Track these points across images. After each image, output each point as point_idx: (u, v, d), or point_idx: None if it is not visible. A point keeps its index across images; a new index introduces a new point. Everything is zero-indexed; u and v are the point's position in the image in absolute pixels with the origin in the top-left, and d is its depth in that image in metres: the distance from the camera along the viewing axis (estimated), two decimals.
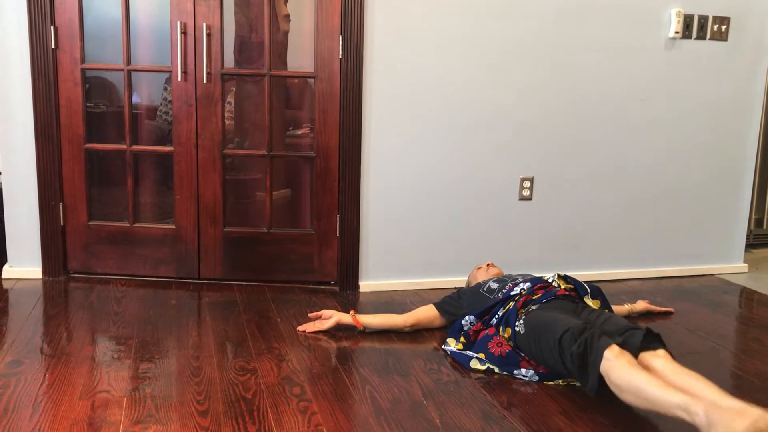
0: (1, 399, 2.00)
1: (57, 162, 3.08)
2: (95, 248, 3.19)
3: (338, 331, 2.63)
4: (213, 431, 1.87)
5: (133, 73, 3.13)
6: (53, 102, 3.02)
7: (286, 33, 3.21)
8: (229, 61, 3.12)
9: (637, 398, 1.84)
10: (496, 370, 2.31)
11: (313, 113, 3.11)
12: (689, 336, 2.73)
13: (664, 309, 3.01)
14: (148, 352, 2.38)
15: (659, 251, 3.56)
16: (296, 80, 3.35)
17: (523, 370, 2.28)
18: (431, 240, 3.25)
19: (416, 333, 2.65)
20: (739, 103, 3.54)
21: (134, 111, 3.22)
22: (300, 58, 3.22)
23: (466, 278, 3.01)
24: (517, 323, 2.30)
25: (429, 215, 3.22)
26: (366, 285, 3.20)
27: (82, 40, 3.02)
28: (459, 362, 2.38)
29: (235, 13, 3.13)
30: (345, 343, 2.54)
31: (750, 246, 4.09)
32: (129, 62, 3.07)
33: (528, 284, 2.45)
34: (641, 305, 2.95)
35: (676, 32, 3.34)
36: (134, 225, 3.18)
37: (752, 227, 4.19)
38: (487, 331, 2.42)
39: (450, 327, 2.60)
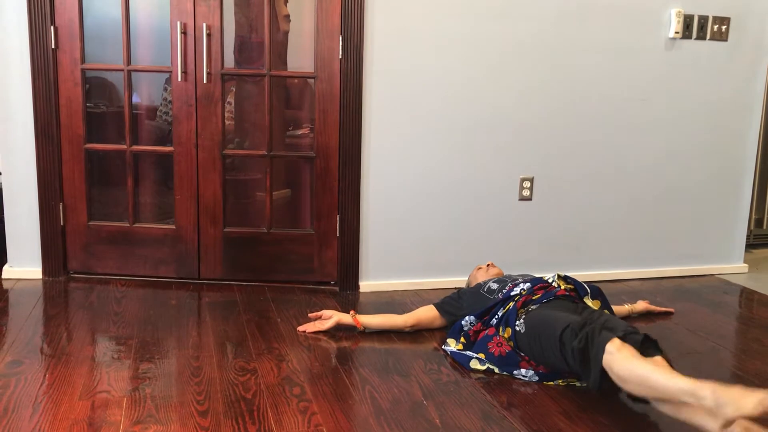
0: (1, 399, 2.00)
1: (57, 162, 3.08)
2: (95, 248, 3.19)
3: (338, 331, 2.63)
4: (213, 431, 1.87)
5: (133, 73, 3.13)
6: (53, 102, 3.02)
7: (286, 33, 3.21)
8: (229, 61, 3.12)
9: (642, 387, 1.83)
10: (496, 370, 2.31)
11: (313, 113, 3.11)
12: (689, 336, 2.73)
13: (664, 309, 3.01)
14: (148, 352, 2.38)
15: (659, 251, 3.56)
16: (296, 80, 3.35)
17: (523, 371, 2.28)
18: (431, 240, 3.25)
19: (416, 333, 2.65)
20: (739, 103, 3.54)
21: (134, 111, 3.22)
22: (300, 58, 3.22)
23: (466, 278, 3.01)
24: (517, 323, 2.30)
25: (429, 215, 3.22)
26: (366, 285, 3.20)
27: (82, 40, 3.02)
28: (459, 362, 2.38)
29: (235, 13, 3.13)
30: (345, 344, 2.54)
31: (750, 246, 4.09)
32: (129, 62, 3.07)
33: (528, 284, 2.45)
34: (641, 305, 2.95)
35: (676, 32, 3.34)
36: (134, 225, 3.18)
37: (752, 227, 4.19)
38: (487, 332, 2.42)
39: (450, 327, 2.60)
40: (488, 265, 2.89)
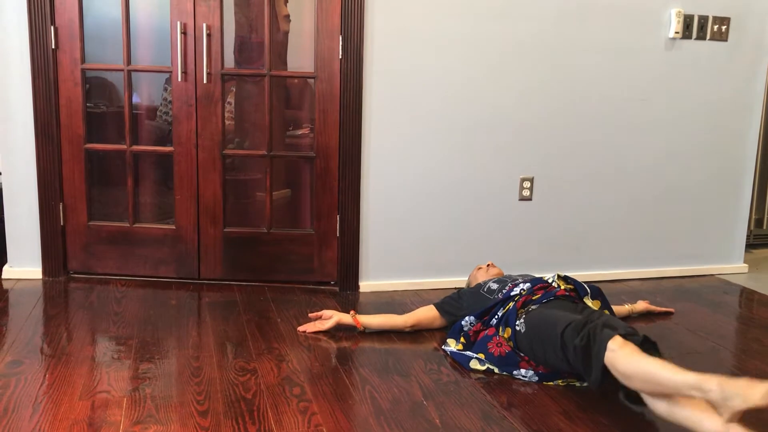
0: (1, 399, 2.00)
1: (57, 162, 3.08)
2: (95, 248, 3.19)
3: (338, 331, 2.63)
4: (213, 431, 1.87)
5: (133, 74, 3.13)
6: (53, 102, 3.02)
7: (286, 33, 3.21)
8: (229, 61, 3.12)
9: (647, 383, 1.83)
10: (496, 370, 2.31)
11: (313, 113, 3.11)
12: (689, 336, 2.74)
13: (664, 309, 3.01)
14: (148, 352, 2.38)
15: (659, 251, 3.56)
16: (296, 80, 3.35)
17: (523, 371, 2.28)
18: (431, 240, 3.25)
19: (416, 333, 2.65)
20: (739, 103, 3.54)
21: (134, 111, 3.22)
22: (300, 58, 3.22)
23: (466, 279, 3.01)
24: (517, 323, 2.30)
25: (429, 216, 3.22)
26: (366, 285, 3.20)
27: (82, 40, 3.02)
28: (459, 362, 2.38)
29: (235, 13, 3.13)
30: (345, 344, 2.54)
31: (750, 246, 4.09)
32: (129, 62, 3.07)
33: (528, 285, 2.45)
34: (641, 305, 2.95)
35: (676, 32, 3.34)
36: (134, 225, 3.18)
37: (752, 227, 4.19)
38: (486, 332, 2.42)
39: (450, 327, 2.60)
40: (488, 265, 2.89)
